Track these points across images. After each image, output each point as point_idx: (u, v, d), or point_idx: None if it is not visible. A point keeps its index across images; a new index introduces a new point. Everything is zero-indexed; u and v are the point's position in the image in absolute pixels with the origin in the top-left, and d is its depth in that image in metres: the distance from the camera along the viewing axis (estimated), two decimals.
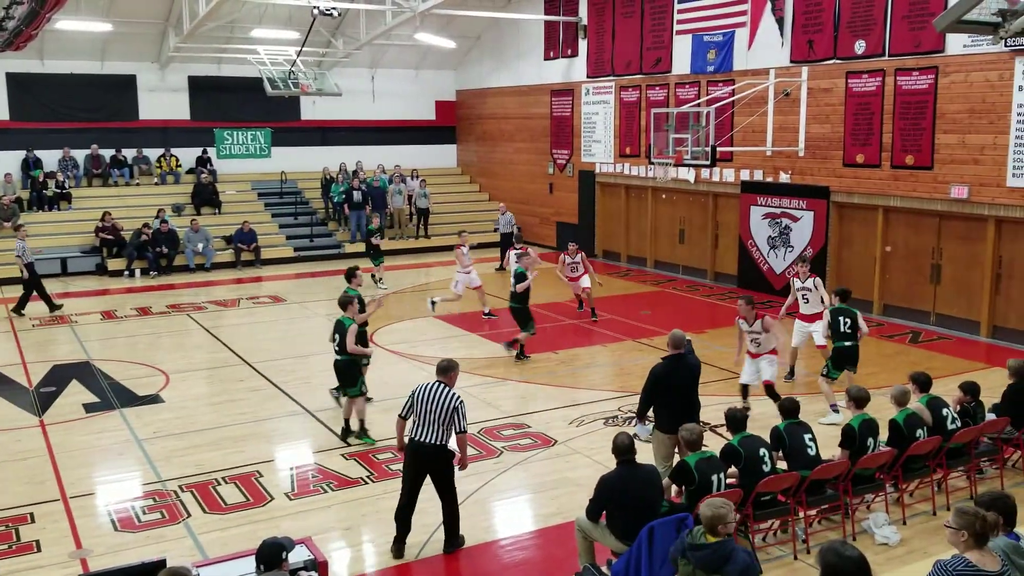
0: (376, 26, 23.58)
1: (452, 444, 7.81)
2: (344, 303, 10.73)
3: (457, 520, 7.93)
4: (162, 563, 5.70)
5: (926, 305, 16.17)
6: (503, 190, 28.01)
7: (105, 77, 24.84)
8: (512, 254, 16.44)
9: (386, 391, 12.31)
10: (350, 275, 12.07)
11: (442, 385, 7.82)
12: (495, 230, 23.90)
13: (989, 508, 5.29)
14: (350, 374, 10.56)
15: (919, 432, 8.41)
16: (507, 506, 9.04)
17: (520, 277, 13.86)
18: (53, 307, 17.86)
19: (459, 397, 7.77)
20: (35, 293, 17.67)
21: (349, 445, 10.46)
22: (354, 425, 10.63)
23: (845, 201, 17.19)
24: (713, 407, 10.58)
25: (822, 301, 12.24)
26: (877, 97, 16.28)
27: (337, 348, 10.56)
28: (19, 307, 17.64)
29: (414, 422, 7.78)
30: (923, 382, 8.98)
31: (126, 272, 21.70)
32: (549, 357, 13.91)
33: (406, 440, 7.94)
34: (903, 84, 15.84)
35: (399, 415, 7.98)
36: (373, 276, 20.67)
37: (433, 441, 7.67)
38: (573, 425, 11.07)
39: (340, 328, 10.49)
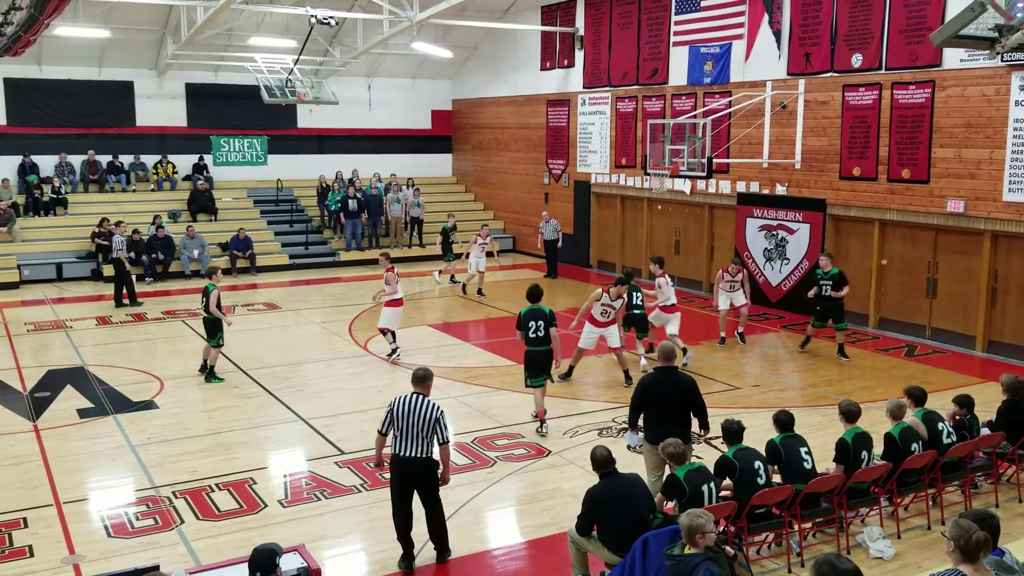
0: (373, 35, 23.64)
1: (435, 454, 7.69)
2: (210, 272, 13.81)
3: (445, 531, 7.85)
4: (155, 569, 5.70)
5: (922, 319, 16.20)
6: (498, 200, 28.06)
7: (103, 83, 24.88)
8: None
9: (378, 400, 12.28)
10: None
11: (420, 396, 7.65)
12: (540, 237, 22.78)
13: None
14: (212, 329, 13.36)
15: (914, 446, 8.41)
16: (500, 516, 9.03)
17: None
18: (120, 304, 18.83)
19: (439, 407, 7.62)
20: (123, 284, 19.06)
21: (220, 381, 13.29)
22: (212, 361, 13.49)
23: (841, 214, 17.23)
24: (709, 419, 10.53)
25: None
26: (874, 110, 16.34)
27: (203, 308, 13.45)
28: (132, 301, 18.96)
29: (395, 437, 7.61)
30: (918, 396, 8.99)
31: None
32: None
33: (387, 454, 7.77)
34: (900, 98, 15.90)
35: (378, 431, 7.78)
36: (437, 272, 21.91)
37: (418, 455, 7.53)
38: (567, 435, 11.06)
39: (206, 293, 13.33)
